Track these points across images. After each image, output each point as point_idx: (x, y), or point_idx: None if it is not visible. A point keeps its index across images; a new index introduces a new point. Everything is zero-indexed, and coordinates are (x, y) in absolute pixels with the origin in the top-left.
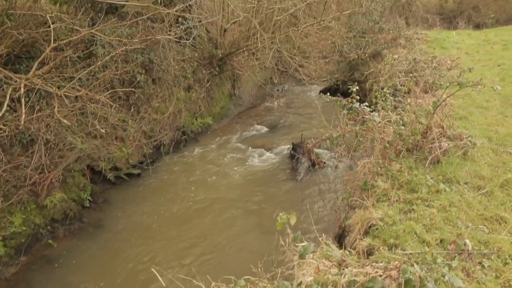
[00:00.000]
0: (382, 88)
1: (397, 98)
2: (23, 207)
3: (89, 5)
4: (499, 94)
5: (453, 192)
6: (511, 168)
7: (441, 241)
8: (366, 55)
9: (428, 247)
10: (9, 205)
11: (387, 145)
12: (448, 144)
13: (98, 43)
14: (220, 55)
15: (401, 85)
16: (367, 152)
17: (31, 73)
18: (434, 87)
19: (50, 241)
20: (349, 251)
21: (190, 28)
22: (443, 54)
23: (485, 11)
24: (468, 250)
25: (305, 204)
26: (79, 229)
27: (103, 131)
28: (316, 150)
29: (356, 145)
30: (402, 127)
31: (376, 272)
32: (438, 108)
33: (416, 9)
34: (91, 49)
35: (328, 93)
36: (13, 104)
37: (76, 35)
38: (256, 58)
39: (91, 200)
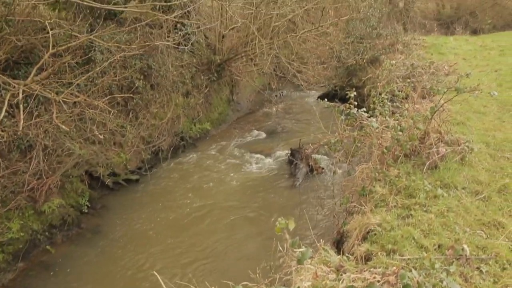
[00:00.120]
0: (380, 94)
1: (395, 104)
2: (21, 213)
3: (88, 11)
4: (496, 99)
5: (451, 198)
6: (508, 173)
7: (439, 246)
8: (364, 60)
9: (426, 253)
10: (7, 211)
11: (385, 150)
12: (446, 150)
13: (96, 49)
14: (219, 61)
15: (399, 91)
16: (365, 157)
17: (29, 79)
18: (431, 93)
19: (48, 247)
20: (347, 256)
21: (189, 34)
22: (440, 59)
23: (482, 17)
24: (466, 255)
25: (303, 209)
26: (77, 235)
27: (101, 136)
28: (314, 155)
29: (354, 150)
30: (400, 133)
31: (374, 277)
32: (435, 114)
33: (414, 15)
34: (89, 55)
35: (326, 99)
36: (12, 109)
37: (74, 41)
38: (254, 64)
39: (89, 206)
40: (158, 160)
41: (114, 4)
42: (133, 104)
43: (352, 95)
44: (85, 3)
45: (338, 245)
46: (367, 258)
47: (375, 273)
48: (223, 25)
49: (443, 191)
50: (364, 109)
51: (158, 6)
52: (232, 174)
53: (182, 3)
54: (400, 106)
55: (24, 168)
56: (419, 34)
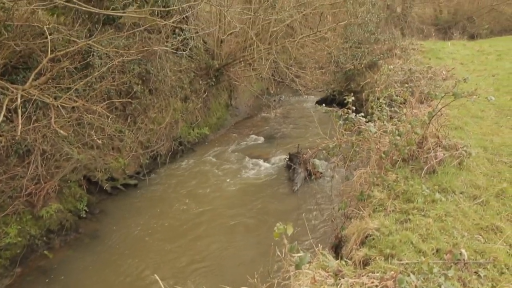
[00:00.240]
0: (378, 99)
1: (393, 109)
2: (18, 217)
3: (87, 16)
4: (494, 104)
5: (449, 202)
6: (506, 177)
7: (437, 250)
8: (362, 65)
9: (424, 257)
10: (5, 216)
11: (383, 155)
12: (444, 154)
13: (95, 54)
14: (217, 66)
15: (396, 96)
16: (363, 162)
17: (28, 83)
18: (429, 97)
19: (45, 252)
20: (345, 261)
21: (187, 39)
22: (438, 64)
23: (479, 22)
24: (464, 259)
25: (301, 214)
26: (75, 240)
27: (99, 141)
28: (312, 160)
29: (352, 155)
30: (398, 137)
31: (372, 282)
32: (433, 118)
33: (412, 20)
34: (88, 60)
35: (324, 104)
36: (10, 114)
37: (73, 46)
38: (252, 69)
39: (87, 210)
40: (156, 165)
41: (113, 9)
42: (132, 109)
43: (350, 100)
44: (83, 8)
45: (337, 249)
46: (365, 263)
47: (373, 278)
48: (221, 30)
49: (441, 196)
50: (362, 114)
51: (156, 11)
52: (230, 179)
53: (180, 8)
54: (398, 111)
55: (22, 173)
56: (417, 39)
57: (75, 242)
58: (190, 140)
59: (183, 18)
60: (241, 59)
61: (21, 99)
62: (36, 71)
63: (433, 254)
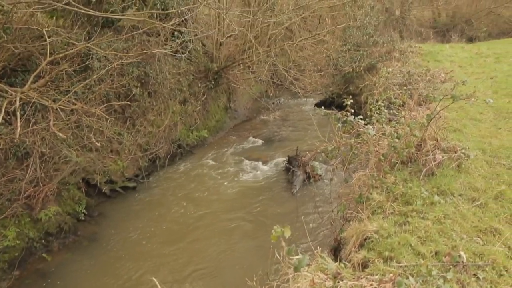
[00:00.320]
0: (377, 101)
1: (391, 111)
2: (17, 220)
3: (86, 19)
4: (492, 106)
5: (448, 204)
6: (505, 180)
7: (436, 253)
8: (361, 68)
9: (423, 259)
10: (3, 219)
11: (382, 157)
12: (442, 157)
13: (94, 56)
14: (216, 69)
15: (395, 98)
16: (362, 165)
17: (26, 86)
18: (428, 100)
19: (44, 254)
20: (344, 263)
21: (186, 42)
22: (436, 67)
23: (477, 25)
24: (463, 262)
25: (300, 217)
26: (73, 242)
27: (98, 144)
28: (311, 163)
29: (351, 158)
30: (397, 140)
31: (371, 284)
32: (432, 121)
33: (410, 23)
34: (87, 62)
35: (323, 106)
36: (8, 117)
37: (72, 49)
38: (251, 72)
39: (86, 213)
40: (155, 168)
41: (112, 12)
42: (131, 112)
43: (349, 102)
44: (82, 11)
45: (335, 252)
46: (364, 265)
47: (372, 280)
48: (220, 33)
49: (440, 198)
50: (361, 116)
51: (155, 14)
52: (229, 181)
53: (179, 11)
54: (397, 113)
55: (21, 175)
56: (416, 42)
57: (73, 245)
58: (189, 142)
59: (182, 21)
60: (240, 62)
61: (20, 101)
62: (35, 73)
63: (432, 256)
